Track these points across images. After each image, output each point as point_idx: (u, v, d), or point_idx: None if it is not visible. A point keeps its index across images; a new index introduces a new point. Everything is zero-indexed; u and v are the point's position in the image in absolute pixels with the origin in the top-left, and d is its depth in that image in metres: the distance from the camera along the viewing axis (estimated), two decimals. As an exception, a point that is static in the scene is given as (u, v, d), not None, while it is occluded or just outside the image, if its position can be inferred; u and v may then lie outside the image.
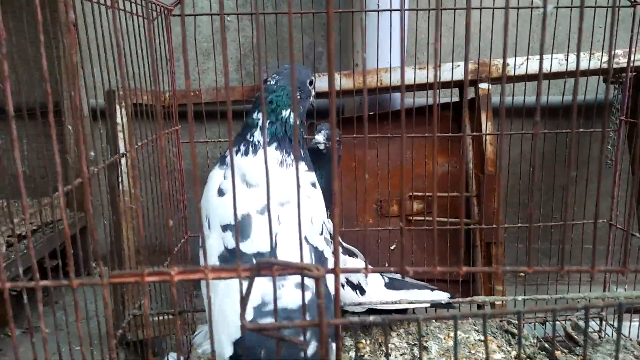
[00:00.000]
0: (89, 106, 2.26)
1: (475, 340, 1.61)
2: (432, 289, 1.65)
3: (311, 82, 1.26)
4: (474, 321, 1.70)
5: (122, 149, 1.62)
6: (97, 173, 1.22)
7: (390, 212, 2.00)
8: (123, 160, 1.65)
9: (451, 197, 1.97)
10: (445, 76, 1.91)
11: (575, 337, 1.66)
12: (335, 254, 0.55)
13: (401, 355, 1.54)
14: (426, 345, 1.57)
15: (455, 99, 2.07)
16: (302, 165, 1.13)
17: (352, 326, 0.52)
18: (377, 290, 1.54)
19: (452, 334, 1.63)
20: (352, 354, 1.54)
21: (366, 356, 1.53)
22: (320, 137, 1.45)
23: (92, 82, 1.17)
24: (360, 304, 1.50)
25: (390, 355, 1.54)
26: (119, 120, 1.71)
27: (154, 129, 1.59)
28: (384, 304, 1.51)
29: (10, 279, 1.60)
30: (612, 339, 1.64)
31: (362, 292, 1.50)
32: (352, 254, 1.57)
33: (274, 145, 1.11)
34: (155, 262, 1.67)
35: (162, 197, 1.47)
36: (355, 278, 1.49)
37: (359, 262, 1.54)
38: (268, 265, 0.53)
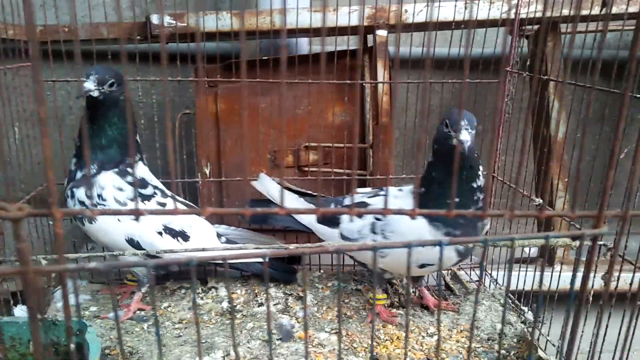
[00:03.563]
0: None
1: (351, 289, 1.62)
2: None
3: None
4: (354, 271, 1.71)
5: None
6: None
7: (285, 163, 1.95)
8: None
9: (347, 148, 1.94)
10: (342, 21, 1.82)
11: (452, 285, 1.70)
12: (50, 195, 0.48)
13: (274, 305, 1.52)
14: (302, 295, 1.57)
15: (354, 46, 1.99)
16: None
17: (72, 273, 0.48)
18: (205, 240, 1.47)
19: (330, 284, 1.63)
20: (225, 304, 1.52)
21: (239, 307, 1.51)
22: (89, 84, 1.27)
23: None
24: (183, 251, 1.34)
25: (263, 305, 1.52)
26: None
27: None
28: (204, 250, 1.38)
29: None
30: (486, 287, 1.69)
31: (185, 238, 1.44)
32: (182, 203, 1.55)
33: None
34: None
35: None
36: (178, 224, 1.44)
37: (177, 205, 1.48)
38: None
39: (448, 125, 1.21)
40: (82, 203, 1.31)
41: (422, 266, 1.36)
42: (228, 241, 1.53)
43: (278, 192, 1.56)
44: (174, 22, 1.75)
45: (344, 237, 1.42)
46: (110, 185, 1.34)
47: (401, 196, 1.43)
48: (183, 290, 1.56)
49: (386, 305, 1.52)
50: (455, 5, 1.78)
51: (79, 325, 1.08)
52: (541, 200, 1.45)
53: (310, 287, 1.60)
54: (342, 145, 1.94)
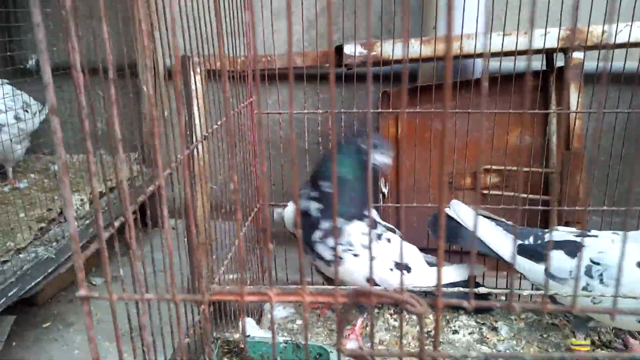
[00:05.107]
0: (165, 66, 2.31)
1: (546, 323, 1.58)
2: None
3: None
4: (546, 304, 1.66)
5: (196, 115, 1.65)
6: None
7: (463, 185, 1.94)
8: (198, 129, 1.70)
9: (530, 172, 1.88)
10: (534, 44, 1.76)
11: (657, 327, 1.58)
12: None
13: (469, 334, 1.53)
14: (496, 326, 1.55)
15: (541, 66, 1.92)
16: None
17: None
18: (421, 268, 1.54)
19: (523, 316, 1.60)
20: (419, 328, 1.55)
21: (432, 332, 1.54)
22: (385, 159, 1.46)
23: (166, 43, 1.17)
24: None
25: (458, 332, 1.54)
26: (193, 86, 1.73)
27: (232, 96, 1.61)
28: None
29: (92, 234, 1.66)
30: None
31: (409, 270, 1.51)
32: (391, 229, 1.59)
33: None
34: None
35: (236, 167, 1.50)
36: (404, 259, 1.51)
37: (398, 238, 1.54)
38: (365, 294, 0.53)
39: None
40: (332, 248, 1.43)
41: None
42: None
43: (471, 218, 1.55)
44: (365, 51, 1.81)
45: (550, 276, 1.38)
46: (356, 232, 1.44)
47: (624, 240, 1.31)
48: (376, 310, 1.63)
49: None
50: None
51: (319, 349, 1.17)
52: None
53: (504, 319, 1.58)
54: (524, 168, 1.89)
